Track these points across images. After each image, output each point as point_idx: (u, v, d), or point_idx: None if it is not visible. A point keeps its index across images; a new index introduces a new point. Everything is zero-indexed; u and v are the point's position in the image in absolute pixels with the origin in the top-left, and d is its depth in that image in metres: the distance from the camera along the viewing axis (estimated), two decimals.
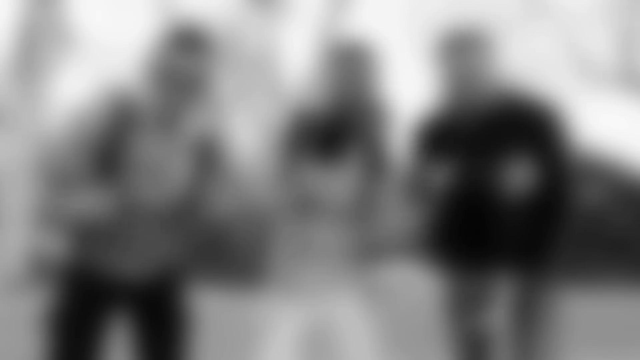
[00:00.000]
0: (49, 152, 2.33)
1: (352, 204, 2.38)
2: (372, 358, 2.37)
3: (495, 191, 2.50)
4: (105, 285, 2.32)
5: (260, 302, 2.45)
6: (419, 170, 2.64)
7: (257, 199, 2.43)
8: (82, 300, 2.31)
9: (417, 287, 7.06)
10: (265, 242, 2.47)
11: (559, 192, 2.54)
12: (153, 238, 2.32)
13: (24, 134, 10.19)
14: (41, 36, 10.40)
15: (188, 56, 2.23)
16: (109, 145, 2.23)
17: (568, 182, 2.56)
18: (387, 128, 2.46)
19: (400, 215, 2.42)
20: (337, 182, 2.36)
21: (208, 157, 2.38)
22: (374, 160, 2.41)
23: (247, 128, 9.97)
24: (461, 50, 2.49)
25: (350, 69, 2.37)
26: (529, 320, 2.58)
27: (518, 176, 2.44)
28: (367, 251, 2.43)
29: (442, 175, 2.48)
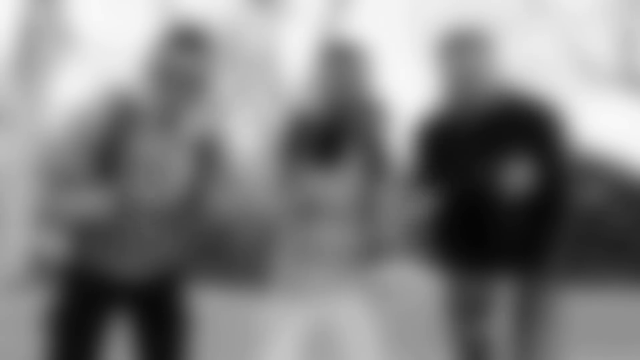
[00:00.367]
0: (49, 152, 2.33)
1: (353, 205, 2.37)
2: (375, 359, 2.37)
3: (495, 191, 2.50)
4: (105, 285, 2.32)
5: (262, 303, 2.45)
6: (418, 170, 2.64)
7: (257, 199, 2.43)
8: (82, 300, 2.31)
9: (419, 288, 7.06)
10: (267, 243, 2.47)
11: (558, 192, 2.54)
12: (153, 238, 2.32)
13: (24, 134, 10.18)
14: (41, 36, 10.39)
15: (188, 56, 2.22)
16: (109, 145, 2.23)
17: (567, 182, 2.56)
18: (385, 126, 2.45)
19: (401, 214, 2.42)
20: (336, 184, 2.36)
21: (208, 157, 2.38)
22: (373, 160, 2.40)
23: (247, 128, 9.97)
24: (461, 50, 2.48)
25: (341, 70, 2.36)
26: (529, 321, 2.58)
27: (517, 176, 2.44)
28: (369, 252, 2.43)
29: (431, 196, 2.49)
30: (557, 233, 2.56)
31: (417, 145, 2.68)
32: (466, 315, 2.66)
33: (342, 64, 2.36)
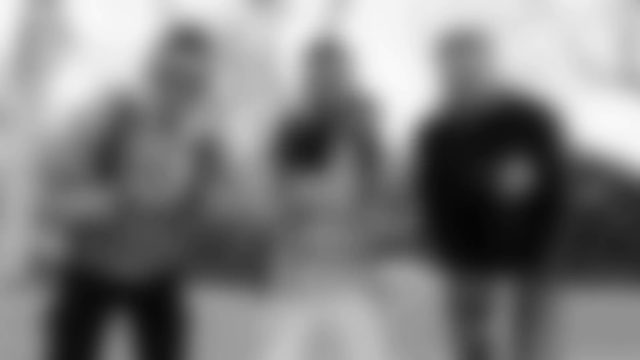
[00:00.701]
0: (49, 152, 2.34)
1: (348, 204, 2.37)
2: (377, 359, 2.37)
3: (493, 192, 2.50)
4: (104, 285, 2.32)
5: (263, 304, 2.45)
6: (417, 171, 2.64)
7: (257, 199, 2.43)
8: (81, 300, 2.31)
9: (420, 288, 7.06)
10: (267, 244, 2.47)
11: (556, 192, 2.54)
12: (152, 238, 2.32)
13: (24, 134, 10.18)
14: (41, 36, 10.39)
15: (188, 56, 2.23)
16: (109, 145, 2.23)
17: (566, 182, 2.56)
18: (377, 120, 2.44)
19: (397, 211, 2.42)
20: (329, 185, 2.35)
21: (208, 157, 2.38)
22: (366, 154, 2.39)
23: (247, 128, 9.97)
24: (460, 50, 2.48)
25: (326, 68, 2.35)
26: (529, 321, 2.58)
27: (516, 177, 2.44)
28: (369, 249, 2.43)
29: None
30: (556, 233, 2.56)
31: (415, 146, 2.68)
32: (466, 316, 2.67)
33: (326, 62, 2.36)
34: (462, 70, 2.48)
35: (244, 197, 2.48)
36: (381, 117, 2.45)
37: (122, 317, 2.38)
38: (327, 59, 2.35)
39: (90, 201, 2.16)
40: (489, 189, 2.50)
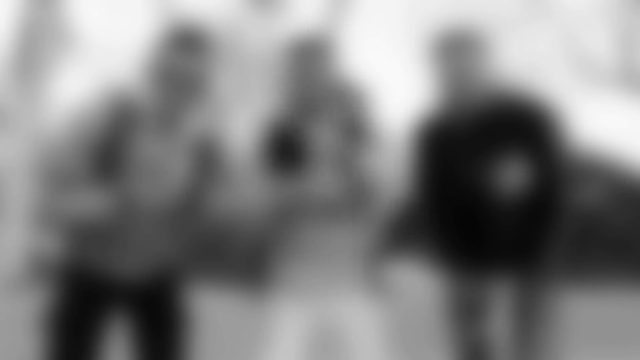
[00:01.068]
0: (49, 152, 2.34)
1: (344, 198, 2.36)
2: (378, 358, 2.37)
3: (491, 191, 2.50)
4: (104, 285, 2.32)
5: (264, 303, 2.45)
6: (416, 171, 2.64)
7: (256, 199, 2.43)
8: (81, 300, 2.31)
9: (419, 288, 7.06)
10: (267, 243, 2.47)
11: (554, 192, 2.54)
12: (152, 238, 2.32)
13: (24, 134, 10.18)
14: (41, 36, 10.39)
15: (188, 56, 2.23)
16: (109, 145, 2.23)
17: (563, 182, 2.56)
18: (365, 108, 2.43)
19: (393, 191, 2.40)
20: (317, 181, 2.35)
21: (207, 157, 2.38)
22: (353, 144, 2.37)
23: (247, 128, 9.96)
24: (457, 51, 2.49)
25: (307, 64, 2.36)
26: (529, 320, 2.58)
27: (514, 176, 2.44)
28: (368, 246, 2.42)
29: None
30: (554, 232, 2.57)
31: (413, 146, 2.68)
32: (466, 316, 2.67)
33: (308, 57, 2.36)
34: (459, 69, 2.49)
35: (244, 197, 2.48)
36: (370, 105, 2.44)
37: (122, 317, 2.38)
38: (309, 54, 2.36)
39: (90, 201, 2.16)
40: (487, 188, 2.51)
